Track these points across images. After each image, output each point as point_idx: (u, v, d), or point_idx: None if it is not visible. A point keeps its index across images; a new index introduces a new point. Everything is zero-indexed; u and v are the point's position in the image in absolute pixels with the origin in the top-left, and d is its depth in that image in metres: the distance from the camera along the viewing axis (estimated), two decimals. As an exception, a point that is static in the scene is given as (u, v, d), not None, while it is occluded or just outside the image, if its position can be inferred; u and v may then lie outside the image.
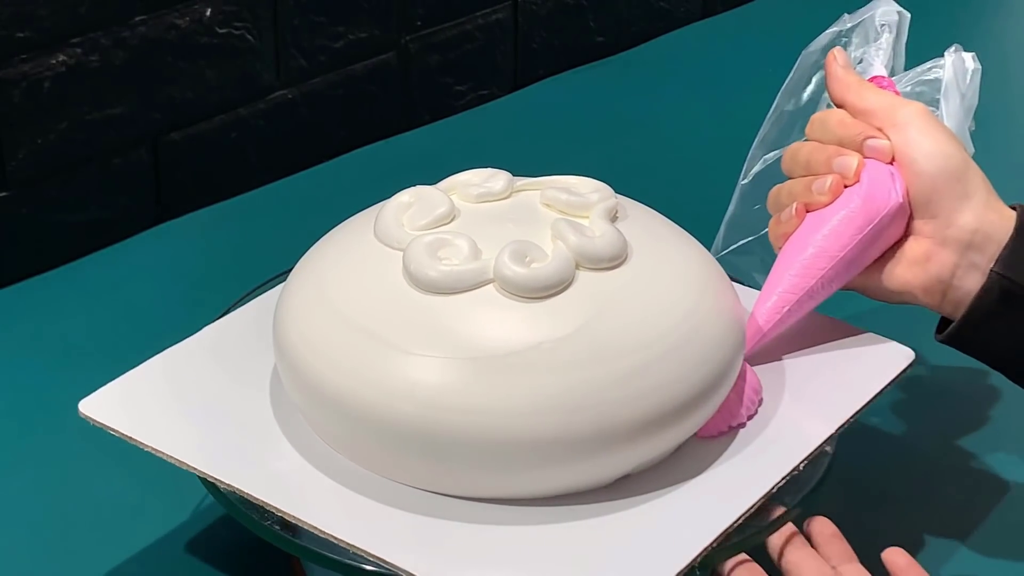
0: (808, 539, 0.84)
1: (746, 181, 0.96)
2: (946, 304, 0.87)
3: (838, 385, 0.87)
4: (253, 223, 1.24)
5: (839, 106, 0.90)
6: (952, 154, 0.87)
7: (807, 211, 0.89)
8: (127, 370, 0.87)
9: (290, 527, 0.78)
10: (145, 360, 0.88)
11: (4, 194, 1.14)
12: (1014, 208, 0.87)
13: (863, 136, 0.88)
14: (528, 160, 0.96)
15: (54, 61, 1.13)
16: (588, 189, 0.86)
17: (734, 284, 0.88)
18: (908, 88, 0.92)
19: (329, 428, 0.81)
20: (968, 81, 0.92)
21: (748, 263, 0.95)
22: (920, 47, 0.96)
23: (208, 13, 1.21)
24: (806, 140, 0.91)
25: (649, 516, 0.79)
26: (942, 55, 0.93)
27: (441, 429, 0.77)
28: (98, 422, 0.83)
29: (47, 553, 0.91)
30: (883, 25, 0.93)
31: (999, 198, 0.87)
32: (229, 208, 1.26)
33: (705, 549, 0.76)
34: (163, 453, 0.81)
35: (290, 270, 0.87)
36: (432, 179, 0.88)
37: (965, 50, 0.93)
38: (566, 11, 1.46)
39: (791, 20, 1.55)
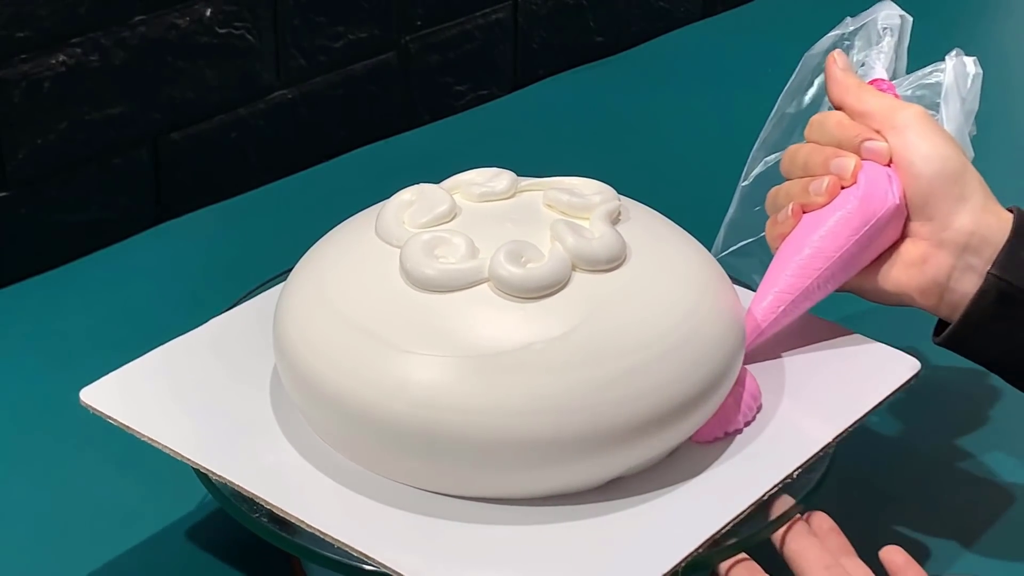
0: (808, 527, 0.84)
1: (747, 183, 0.96)
2: (943, 306, 0.87)
3: (840, 393, 0.87)
4: (253, 223, 1.24)
5: (838, 108, 0.90)
6: (950, 156, 0.87)
7: (804, 212, 0.89)
8: (128, 371, 0.87)
9: (279, 521, 0.78)
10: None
11: (4, 194, 1.14)
12: (1011, 211, 0.87)
13: (861, 138, 0.88)
14: (528, 160, 0.96)
15: (54, 61, 1.13)
16: (591, 191, 0.86)
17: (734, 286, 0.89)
18: (909, 92, 0.92)
19: (326, 426, 0.82)
20: (969, 85, 0.92)
21: (748, 265, 0.95)
22: (922, 51, 0.96)
23: (208, 13, 1.21)
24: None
25: (642, 517, 0.79)
26: (943, 59, 0.93)
27: (432, 427, 0.77)
28: (98, 411, 0.84)
29: (47, 551, 0.91)
30: (885, 28, 0.93)
31: (996, 201, 0.87)
32: (229, 208, 1.26)
33: (695, 551, 0.76)
34: (159, 443, 0.82)
35: (290, 270, 0.87)
36: (432, 179, 0.88)
37: (967, 54, 0.93)
38: (566, 11, 1.46)
39: (791, 20, 1.55)
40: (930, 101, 0.92)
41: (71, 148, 1.16)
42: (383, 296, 0.81)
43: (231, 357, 0.89)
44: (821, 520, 0.84)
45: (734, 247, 0.97)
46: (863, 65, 0.93)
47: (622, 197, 0.87)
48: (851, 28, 0.94)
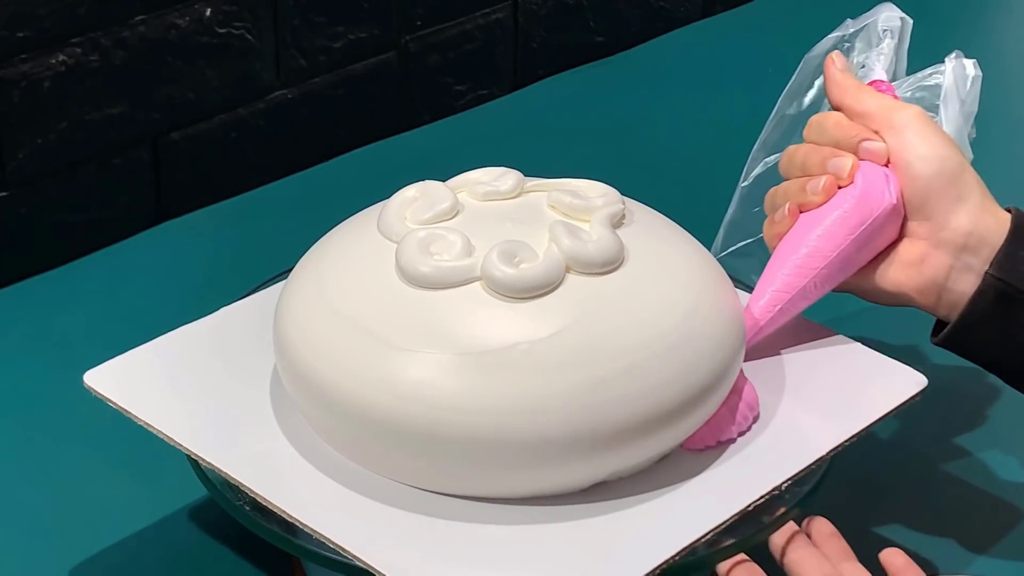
0: (807, 538, 0.84)
1: (746, 184, 0.96)
2: (941, 306, 0.88)
3: (841, 405, 0.86)
4: (253, 223, 1.24)
5: (837, 109, 0.91)
6: (948, 157, 0.87)
7: (801, 211, 0.89)
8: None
9: (263, 511, 0.78)
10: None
11: (4, 194, 1.14)
12: (1009, 211, 0.87)
13: (859, 138, 0.88)
14: (528, 160, 0.96)
15: (54, 61, 1.13)
16: (596, 193, 0.86)
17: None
18: (908, 93, 0.92)
19: (322, 422, 0.82)
20: (968, 87, 0.92)
21: (747, 265, 0.95)
22: (922, 52, 0.96)
23: (208, 13, 1.21)
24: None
25: (636, 518, 0.79)
26: (943, 61, 0.93)
27: (418, 423, 0.77)
28: (100, 394, 0.84)
29: (47, 551, 0.91)
30: (885, 30, 0.93)
31: (994, 201, 0.87)
32: (229, 208, 1.26)
33: (686, 549, 0.76)
34: (154, 428, 0.82)
35: (290, 270, 0.87)
36: (431, 179, 0.88)
37: (966, 56, 0.93)
38: (566, 11, 1.46)
39: (791, 20, 1.55)
40: (929, 103, 0.92)
41: (71, 148, 1.16)
42: (379, 292, 0.81)
43: (234, 348, 0.89)
44: (821, 525, 0.84)
45: (733, 247, 0.97)
46: (863, 67, 0.93)
47: (626, 199, 0.87)
48: (851, 30, 0.94)
